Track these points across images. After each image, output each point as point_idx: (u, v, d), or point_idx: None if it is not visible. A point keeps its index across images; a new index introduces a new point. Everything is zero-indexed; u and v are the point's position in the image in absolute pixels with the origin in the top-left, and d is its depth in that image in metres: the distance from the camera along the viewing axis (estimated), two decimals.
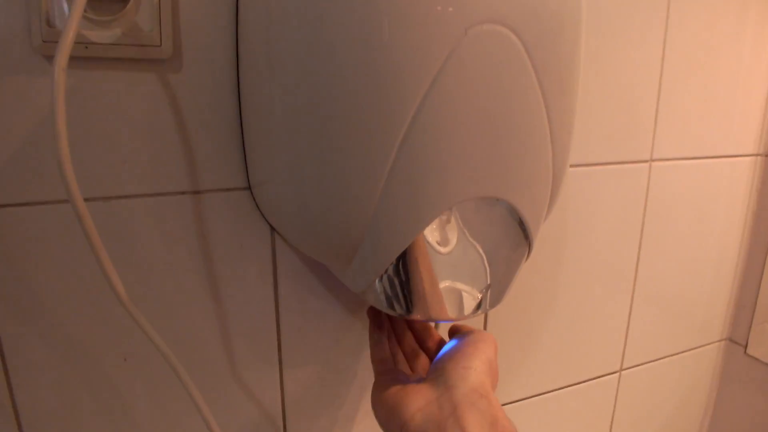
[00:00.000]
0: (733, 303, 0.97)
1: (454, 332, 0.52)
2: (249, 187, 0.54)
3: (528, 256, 0.48)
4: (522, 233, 0.46)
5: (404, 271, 0.43)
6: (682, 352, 0.94)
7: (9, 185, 0.46)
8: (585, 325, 0.80)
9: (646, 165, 0.77)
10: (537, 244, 0.69)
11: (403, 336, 0.54)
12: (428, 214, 0.40)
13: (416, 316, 0.44)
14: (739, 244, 0.93)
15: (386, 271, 0.43)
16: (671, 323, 0.90)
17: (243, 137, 0.52)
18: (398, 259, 0.42)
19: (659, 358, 0.91)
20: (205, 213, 0.53)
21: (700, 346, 0.96)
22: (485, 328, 0.71)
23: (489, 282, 0.46)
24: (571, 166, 0.71)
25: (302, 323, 0.60)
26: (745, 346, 0.97)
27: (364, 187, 0.40)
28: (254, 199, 0.54)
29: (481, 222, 0.43)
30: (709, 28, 0.77)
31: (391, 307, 0.44)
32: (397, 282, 0.43)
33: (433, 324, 0.57)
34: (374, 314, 0.54)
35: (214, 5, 0.49)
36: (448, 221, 0.43)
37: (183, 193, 0.52)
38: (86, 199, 0.48)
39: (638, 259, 0.82)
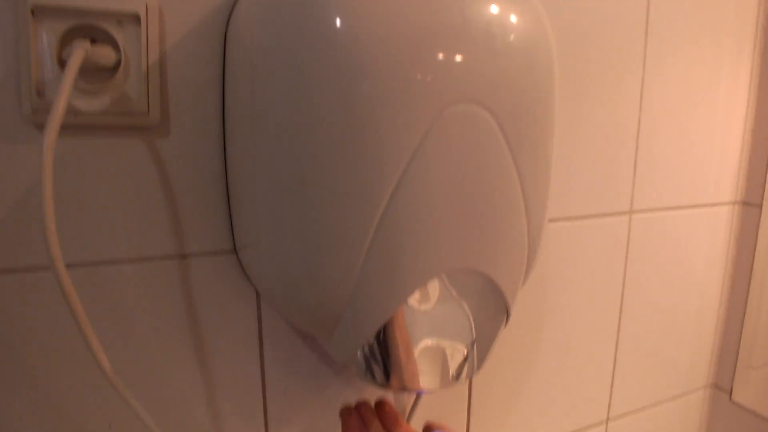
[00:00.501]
0: (717, 349, 0.98)
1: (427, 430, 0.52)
2: (235, 250, 0.54)
3: (506, 323, 0.49)
4: (499, 302, 0.46)
5: (385, 342, 0.43)
6: (668, 400, 0.94)
7: None
8: (569, 376, 0.81)
9: (626, 217, 0.79)
10: (519, 298, 0.70)
11: (371, 425, 0.54)
12: (407, 288, 0.41)
13: (396, 386, 0.45)
14: (720, 291, 0.95)
15: (367, 342, 0.43)
16: (656, 371, 0.91)
17: (229, 201, 0.53)
18: (379, 331, 0.43)
19: (645, 407, 0.91)
20: (191, 276, 0.54)
21: (685, 393, 0.96)
22: (470, 385, 0.72)
23: (468, 351, 0.46)
24: (552, 220, 0.72)
25: (288, 385, 0.60)
26: (730, 393, 0.97)
27: (344, 259, 0.40)
28: (240, 262, 0.54)
29: (459, 293, 0.44)
30: (684, 79, 0.80)
31: (372, 376, 0.45)
32: (378, 353, 0.44)
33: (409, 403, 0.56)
34: (345, 415, 0.54)
35: (201, 74, 0.50)
36: (429, 293, 0.44)
37: (169, 257, 0.53)
38: (73, 265, 0.49)
39: (621, 309, 0.83)
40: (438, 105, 0.38)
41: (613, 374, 0.85)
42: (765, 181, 0.89)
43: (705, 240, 0.89)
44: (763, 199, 0.90)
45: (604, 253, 0.78)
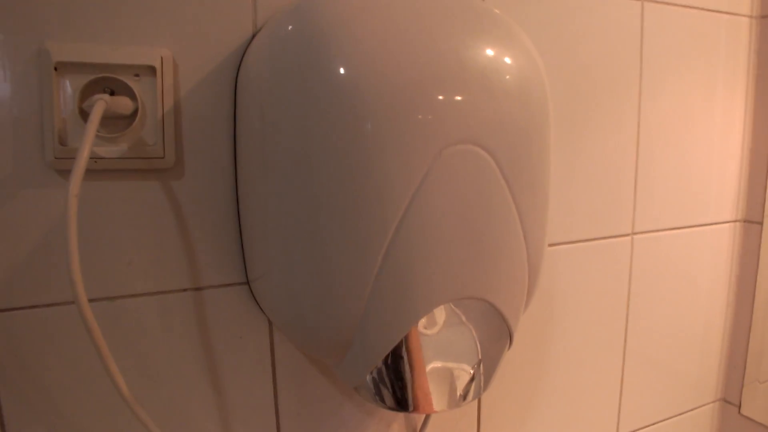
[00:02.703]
0: (725, 364, 0.99)
1: None
2: (247, 282, 0.57)
3: (510, 346, 0.51)
4: (502, 326, 0.48)
5: (393, 368, 0.45)
6: (677, 415, 0.95)
7: (21, 289, 0.50)
8: (577, 394, 0.82)
9: (628, 238, 0.81)
10: (526, 319, 0.71)
11: None
12: (411, 317, 0.43)
13: (404, 409, 0.47)
14: (725, 307, 0.96)
15: (377, 368, 0.46)
16: (664, 387, 0.92)
17: (241, 235, 0.56)
18: (387, 357, 0.45)
19: (654, 423, 0.92)
20: (206, 307, 0.56)
21: (694, 408, 0.97)
22: (479, 402, 0.73)
23: (474, 373, 0.48)
24: (555, 244, 0.74)
25: (300, 409, 0.62)
26: (739, 406, 0.98)
27: (352, 291, 0.43)
28: (252, 293, 0.57)
29: (463, 318, 0.46)
30: (680, 102, 0.82)
31: (383, 401, 0.47)
32: (387, 378, 0.46)
33: None
34: None
35: (213, 120, 0.53)
36: (435, 317, 0.46)
37: (185, 290, 0.55)
38: (93, 300, 0.51)
39: (626, 328, 0.84)
40: (437, 146, 0.41)
41: (621, 391, 0.86)
42: (765, 198, 0.91)
43: (708, 258, 0.91)
44: (763, 216, 0.92)
45: (607, 274, 0.80)
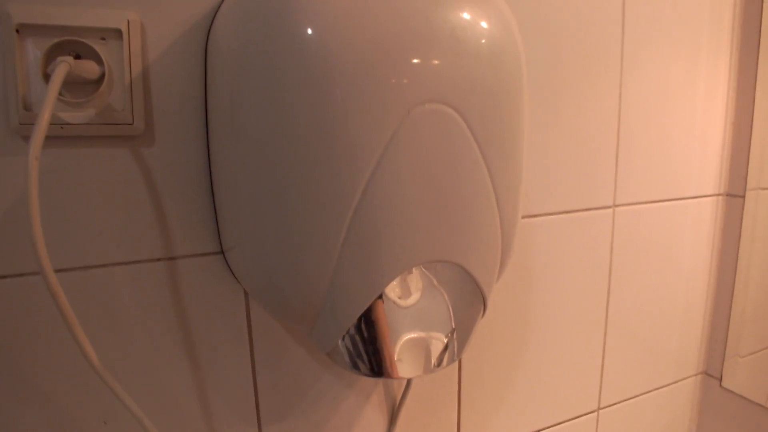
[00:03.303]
0: (706, 338, 0.99)
1: None
2: (222, 252, 0.56)
3: (484, 312, 0.50)
4: (476, 292, 0.48)
5: (365, 331, 0.45)
6: (659, 387, 0.96)
7: None
8: (559, 367, 0.83)
9: (610, 210, 0.81)
10: (505, 293, 0.71)
11: None
12: (382, 280, 0.43)
13: (380, 374, 0.47)
14: (707, 281, 0.96)
15: (348, 332, 0.45)
16: (646, 360, 0.92)
17: (215, 204, 0.55)
18: (358, 321, 0.44)
19: (636, 395, 0.93)
20: (180, 278, 0.55)
21: (676, 381, 0.98)
22: (459, 374, 0.73)
23: (448, 339, 0.48)
24: (535, 215, 0.74)
25: (278, 379, 0.61)
26: (720, 379, 0.99)
27: (320, 254, 0.42)
28: (227, 262, 0.56)
29: (435, 283, 0.46)
30: (663, 74, 0.82)
31: (356, 366, 0.47)
32: (359, 342, 0.46)
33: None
34: None
35: (183, 85, 0.52)
36: (408, 279, 0.46)
37: (158, 259, 0.54)
38: (64, 270, 0.51)
39: (608, 301, 0.84)
40: (405, 105, 0.40)
41: (603, 364, 0.87)
42: (747, 172, 0.91)
43: (690, 232, 0.91)
44: (745, 190, 0.92)
45: (589, 247, 0.80)
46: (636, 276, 0.86)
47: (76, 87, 0.48)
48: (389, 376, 0.47)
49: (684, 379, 0.99)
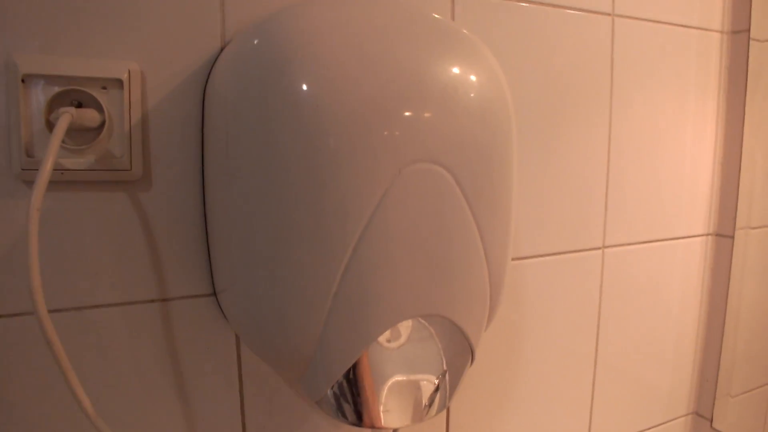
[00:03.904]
0: (697, 378, 1.00)
1: None
2: (215, 293, 0.57)
3: (472, 362, 0.51)
4: (464, 343, 0.49)
5: (354, 383, 0.46)
6: (650, 428, 0.96)
7: None
8: (549, 408, 0.83)
9: (599, 252, 0.82)
10: (495, 334, 0.72)
11: None
12: (371, 334, 0.44)
13: (367, 425, 0.47)
14: (697, 321, 0.97)
15: (338, 383, 0.46)
16: (636, 400, 0.92)
17: (209, 247, 0.56)
18: (348, 372, 0.45)
19: None
20: (173, 319, 0.56)
21: (666, 422, 0.98)
22: (448, 419, 0.74)
23: (436, 387, 0.49)
24: (526, 257, 0.75)
25: (267, 421, 0.62)
26: (711, 420, 0.99)
27: (311, 306, 0.43)
28: (219, 305, 0.57)
29: (424, 335, 0.47)
30: (652, 114, 0.83)
31: (344, 416, 0.47)
32: (347, 392, 0.46)
33: None
34: None
35: (181, 132, 0.54)
36: (399, 332, 0.47)
37: (152, 301, 0.55)
38: (58, 310, 0.52)
39: (597, 341, 0.85)
40: (396, 165, 0.41)
41: (592, 405, 0.87)
42: (736, 212, 0.92)
43: (680, 272, 0.92)
44: (735, 230, 0.93)
45: (578, 288, 0.81)
46: (626, 316, 0.87)
47: (77, 134, 0.50)
48: (376, 427, 0.48)
49: (675, 419, 0.99)
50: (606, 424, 0.89)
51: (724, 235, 0.94)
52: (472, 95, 0.46)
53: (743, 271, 0.96)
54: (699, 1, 0.86)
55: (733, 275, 0.94)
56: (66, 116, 0.46)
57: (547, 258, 0.77)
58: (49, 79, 0.48)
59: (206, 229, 0.56)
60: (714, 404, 0.98)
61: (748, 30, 0.88)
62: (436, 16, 0.50)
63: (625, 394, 0.91)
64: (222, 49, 0.54)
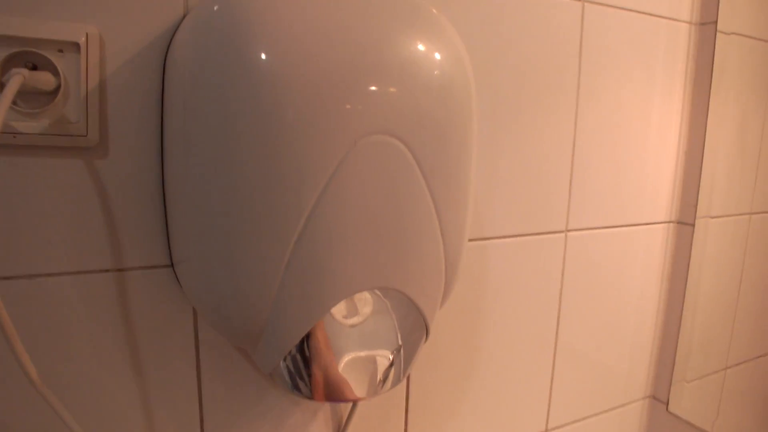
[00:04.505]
0: (654, 362, 1.02)
1: None
2: (172, 265, 0.56)
3: (426, 337, 0.52)
4: (418, 318, 0.49)
5: (307, 354, 0.46)
6: (607, 410, 0.98)
7: None
8: (508, 387, 0.84)
9: (562, 235, 0.83)
10: (455, 314, 0.73)
11: None
12: (323, 305, 0.44)
13: (320, 397, 0.47)
14: (656, 307, 0.99)
15: (290, 354, 0.46)
16: (594, 383, 0.94)
17: (166, 216, 0.55)
18: (300, 344, 0.45)
19: (584, 418, 0.95)
20: (129, 289, 0.55)
21: (624, 405, 1.00)
22: (407, 396, 0.74)
23: (390, 363, 0.49)
24: (488, 238, 0.75)
25: (224, 394, 0.62)
26: (667, 404, 1.02)
27: (263, 276, 0.43)
28: (176, 276, 0.56)
29: (380, 308, 0.47)
30: (618, 101, 0.84)
31: (297, 388, 0.47)
32: (301, 364, 0.46)
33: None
34: None
35: (139, 99, 0.53)
36: (356, 299, 0.47)
37: (107, 270, 0.54)
38: (7, 278, 0.50)
39: (558, 324, 0.86)
40: (351, 136, 0.41)
41: (551, 386, 0.88)
42: (697, 201, 0.94)
43: (641, 258, 0.94)
44: (695, 218, 0.95)
45: (540, 270, 0.82)
46: (587, 299, 0.89)
47: (31, 97, 0.49)
48: (330, 399, 0.48)
49: (632, 402, 1.01)
50: (564, 405, 0.91)
51: (685, 223, 0.96)
52: (433, 72, 0.46)
53: (702, 259, 0.98)
54: None
55: (693, 263, 0.96)
56: (17, 77, 0.45)
57: (510, 239, 0.78)
58: (2, 40, 0.47)
59: (164, 198, 0.55)
60: (670, 389, 1.01)
61: (716, 22, 0.89)
62: None
63: (584, 377, 0.92)
64: (185, 16, 0.53)
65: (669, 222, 0.96)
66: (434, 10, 0.50)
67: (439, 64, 0.46)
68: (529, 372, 0.86)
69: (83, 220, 0.53)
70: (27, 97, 0.48)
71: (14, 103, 0.48)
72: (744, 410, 1.08)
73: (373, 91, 0.42)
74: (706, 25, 0.90)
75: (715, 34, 0.90)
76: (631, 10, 0.83)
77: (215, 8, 0.46)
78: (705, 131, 0.93)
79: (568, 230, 0.83)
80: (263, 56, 0.42)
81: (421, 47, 0.45)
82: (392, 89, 0.43)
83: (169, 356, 0.58)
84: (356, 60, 0.42)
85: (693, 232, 0.95)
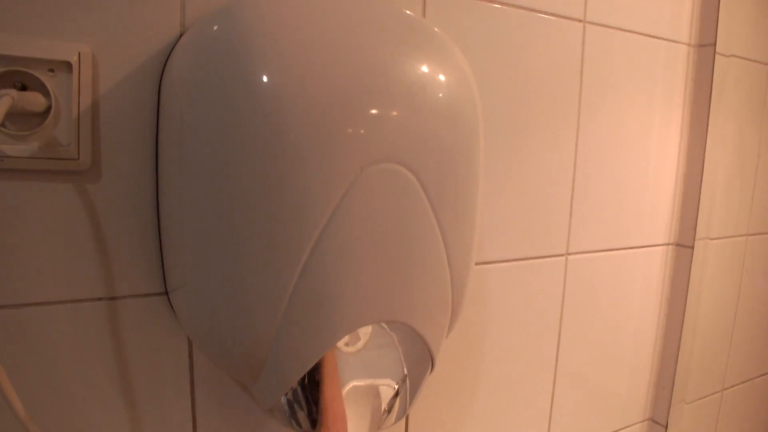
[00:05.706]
0: (653, 385, 1.01)
1: None
2: (166, 292, 0.54)
3: (432, 369, 0.50)
4: (423, 350, 0.47)
5: (309, 390, 0.44)
6: None
7: None
8: (508, 412, 0.82)
9: (563, 258, 0.81)
10: (456, 338, 0.71)
11: None
12: (328, 339, 0.42)
13: None
14: (655, 329, 0.98)
15: (292, 390, 0.44)
16: (594, 406, 0.93)
17: (161, 244, 0.53)
18: (303, 379, 0.43)
19: None
20: (121, 318, 0.53)
21: (623, 428, 0.99)
22: (407, 423, 0.72)
23: (394, 397, 0.47)
24: (489, 262, 0.74)
25: (219, 425, 0.59)
26: (666, 426, 1.00)
27: (266, 307, 0.41)
28: (171, 304, 0.54)
29: (386, 341, 0.45)
30: (618, 123, 0.84)
31: (297, 422, 0.45)
32: (302, 398, 0.44)
33: None
34: None
35: (134, 121, 0.51)
36: (358, 338, 0.45)
37: (99, 299, 0.52)
38: None
39: (558, 347, 0.85)
40: (358, 164, 0.39)
41: (551, 409, 0.87)
42: (696, 224, 0.93)
43: (640, 280, 0.93)
44: (694, 241, 0.94)
45: (541, 293, 0.80)
46: (587, 322, 0.87)
47: (20, 119, 0.47)
48: None
49: (631, 425, 0.99)
50: (564, 428, 0.89)
51: (684, 245, 0.95)
52: (440, 95, 0.44)
53: (701, 281, 0.97)
54: (668, 13, 0.86)
55: (692, 285, 0.96)
56: (6, 99, 0.43)
57: (511, 263, 0.76)
58: None
59: (159, 224, 0.53)
60: (669, 411, 0.99)
61: (714, 44, 0.89)
62: (408, 12, 0.49)
63: (584, 400, 0.91)
64: (181, 36, 0.51)
65: (668, 244, 0.95)
66: (439, 31, 0.49)
67: (447, 87, 0.44)
68: (529, 395, 0.84)
69: (74, 246, 0.51)
70: (16, 118, 0.46)
71: (2, 125, 0.46)
72: (741, 430, 1.07)
73: (381, 116, 0.41)
74: (705, 47, 0.90)
75: (714, 56, 0.89)
76: (631, 31, 0.82)
77: (215, 28, 0.44)
78: (704, 153, 0.93)
79: (569, 253, 0.82)
80: (265, 78, 0.40)
81: (428, 70, 0.44)
82: (400, 114, 0.41)
83: (163, 387, 0.56)
84: (363, 83, 0.40)
85: (692, 254, 0.94)
